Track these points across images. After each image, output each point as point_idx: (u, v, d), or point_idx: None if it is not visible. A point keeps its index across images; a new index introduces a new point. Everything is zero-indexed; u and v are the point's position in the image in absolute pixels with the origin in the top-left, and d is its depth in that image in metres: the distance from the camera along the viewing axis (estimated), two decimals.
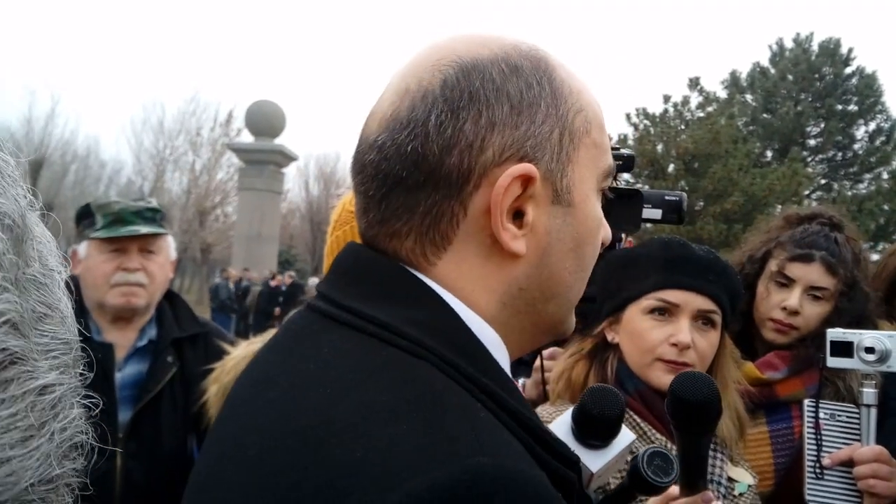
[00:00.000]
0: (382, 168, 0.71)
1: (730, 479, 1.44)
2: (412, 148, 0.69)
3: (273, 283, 16.81)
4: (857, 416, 1.57)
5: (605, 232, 0.80)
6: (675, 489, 1.13)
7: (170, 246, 2.08)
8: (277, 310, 15.85)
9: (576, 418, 1.01)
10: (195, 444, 1.95)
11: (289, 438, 0.58)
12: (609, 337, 1.53)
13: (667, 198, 1.55)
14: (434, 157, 0.68)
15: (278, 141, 19.18)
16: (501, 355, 0.73)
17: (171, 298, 2.12)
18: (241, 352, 1.71)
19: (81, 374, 0.37)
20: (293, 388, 0.64)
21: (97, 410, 0.39)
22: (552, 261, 0.73)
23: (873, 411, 1.54)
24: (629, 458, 1.08)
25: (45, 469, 0.33)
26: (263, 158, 18.67)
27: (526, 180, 0.68)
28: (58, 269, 0.38)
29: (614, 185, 1.59)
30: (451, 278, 0.71)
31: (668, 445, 1.38)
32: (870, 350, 1.51)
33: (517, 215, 0.70)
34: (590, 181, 0.75)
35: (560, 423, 1.03)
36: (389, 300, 0.69)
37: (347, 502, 0.51)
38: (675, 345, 1.42)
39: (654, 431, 1.41)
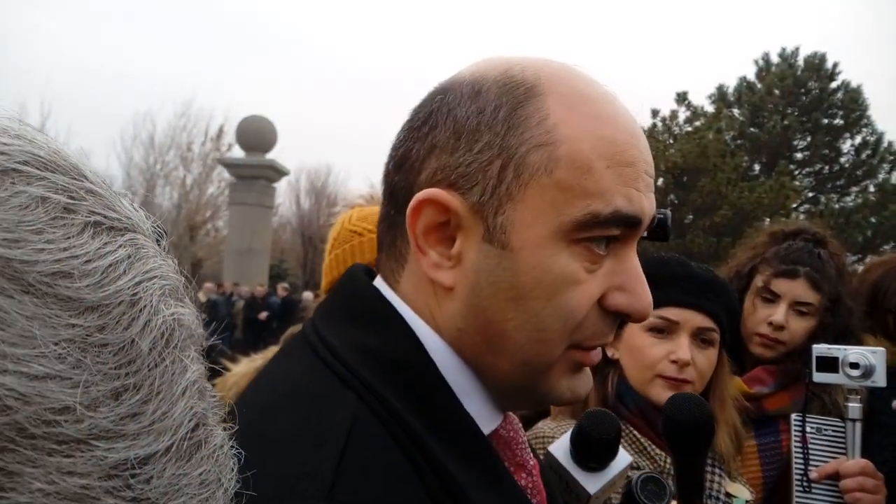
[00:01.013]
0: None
1: (727, 495, 1.46)
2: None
3: (257, 293, 16.70)
4: (842, 430, 1.60)
5: (612, 295, 0.69)
6: None
7: None
8: (264, 314, 15.73)
9: (574, 441, 1.03)
10: None
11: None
12: (609, 353, 1.55)
13: None
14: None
15: (269, 156, 19.15)
16: (465, 379, 0.69)
17: None
18: (242, 368, 1.71)
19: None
20: (248, 405, 0.65)
21: None
22: (484, 304, 0.66)
23: (858, 425, 1.57)
24: (626, 480, 1.10)
25: None
26: (254, 173, 18.64)
27: (444, 208, 0.65)
28: (203, 342, 0.41)
29: None
30: (411, 298, 0.71)
31: (667, 461, 1.40)
32: (854, 366, 1.54)
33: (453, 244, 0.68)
34: (542, 226, 0.64)
35: (559, 446, 1.05)
36: (349, 322, 0.69)
37: None
38: (674, 362, 1.44)
39: (653, 447, 1.43)
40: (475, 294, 0.66)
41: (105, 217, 0.35)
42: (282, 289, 17.30)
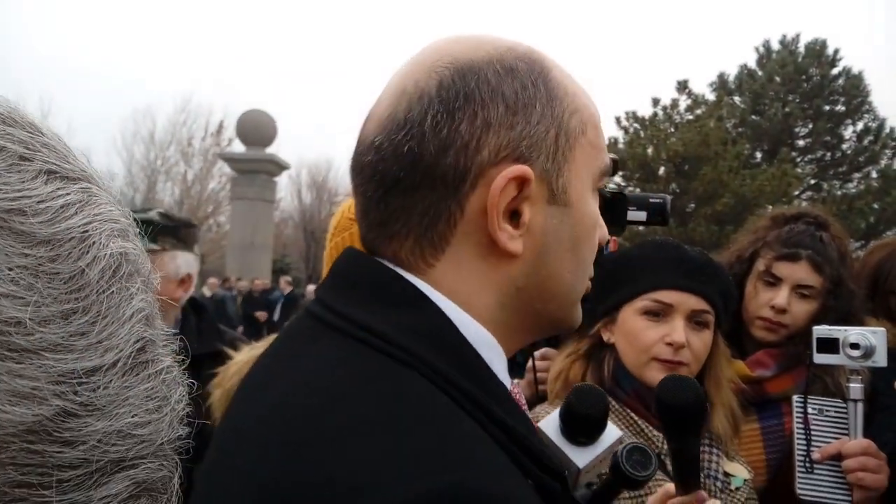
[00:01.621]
0: (380, 169, 0.71)
1: (726, 474, 1.48)
2: (409, 148, 0.69)
3: (254, 288, 16.50)
4: (844, 410, 1.60)
5: (602, 231, 0.80)
6: (671, 487, 1.16)
7: (169, 262, 1.91)
8: (263, 314, 15.49)
9: (563, 417, 1.05)
10: None
11: (273, 450, 0.59)
12: (605, 337, 1.56)
13: (651, 200, 1.59)
14: (430, 157, 0.69)
15: (270, 150, 19.15)
16: (496, 356, 0.73)
17: (199, 312, 2.01)
18: (244, 356, 1.72)
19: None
20: (284, 395, 0.64)
21: None
22: (550, 260, 0.73)
23: (860, 406, 1.57)
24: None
25: (172, 431, 0.43)
26: (255, 168, 18.64)
27: (522, 181, 0.68)
28: (156, 279, 0.46)
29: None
30: (449, 280, 0.71)
31: (664, 442, 1.41)
32: (855, 346, 1.55)
33: (514, 215, 0.70)
34: (586, 180, 0.75)
35: (548, 422, 1.07)
36: (383, 306, 0.69)
37: None
38: (669, 344, 1.45)
39: (651, 429, 1.44)
40: (543, 253, 0.73)
41: (59, 167, 0.40)
42: (285, 283, 17.17)
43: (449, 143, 0.68)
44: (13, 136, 0.39)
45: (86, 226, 0.40)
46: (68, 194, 0.40)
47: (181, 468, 0.45)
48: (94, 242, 0.40)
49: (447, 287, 0.71)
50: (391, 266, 0.72)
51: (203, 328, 2.00)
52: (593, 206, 0.77)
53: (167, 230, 1.93)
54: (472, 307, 0.71)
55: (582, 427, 1.03)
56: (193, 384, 0.48)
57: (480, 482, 0.54)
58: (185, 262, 1.98)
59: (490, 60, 0.71)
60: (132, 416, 0.40)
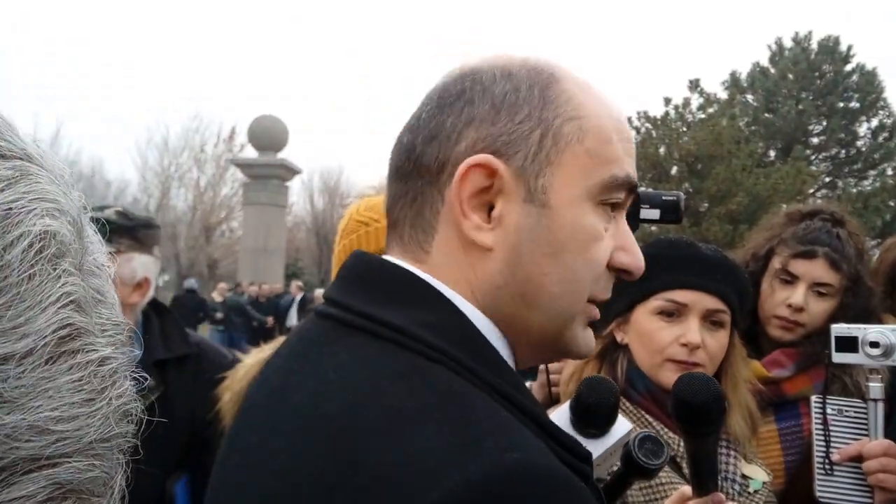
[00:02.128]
0: (392, 161, 0.79)
1: (744, 477, 1.45)
2: (407, 139, 0.77)
3: (261, 293, 16.43)
4: (864, 411, 1.58)
5: (606, 251, 0.76)
6: (688, 489, 1.14)
7: (124, 265, 1.78)
8: (270, 319, 15.58)
9: (573, 408, 1.04)
10: (183, 484, 1.75)
11: (318, 444, 0.60)
12: (618, 337, 1.54)
13: (664, 198, 1.57)
14: (420, 146, 0.75)
15: (281, 155, 19.26)
16: (502, 346, 0.75)
17: (161, 315, 1.91)
18: (252, 359, 1.72)
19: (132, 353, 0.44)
20: (317, 395, 0.65)
21: None
22: (525, 261, 0.72)
23: (880, 406, 1.54)
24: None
25: (105, 428, 0.39)
26: (267, 173, 18.75)
27: (490, 172, 0.71)
28: (106, 265, 0.44)
29: None
30: (444, 268, 0.74)
31: (681, 445, 1.39)
32: (874, 345, 1.52)
33: (493, 210, 0.73)
34: (576, 188, 0.73)
35: (559, 414, 1.07)
36: (398, 303, 0.71)
37: (366, 502, 0.53)
38: (685, 345, 1.42)
39: (666, 430, 1.42)
40: (515, 252, 0.72)
41: None
42: (296, 287, 17.24)
43: (435, 134, 0.74)
44: None
45: (10, 203, 0.38)
46: (0, 171, 0.38)
47: (129, 469, 0.43)
48: (18, 221, 0.37)
49: (444, 277, 0.74)
50: (399, 263, 0.75)
51: (167, 331, 1.88)
52: (590, 217, 0.74)
53: (124, 230, 1.81)
54: (469, 296, 0.74)
55: (593, 418, 1.03)
56: (146, 378, 0.45)
57: (544, 458, 0.59)
58: (141, 265, 1.84)
59: (494, 66, 0.75)
60: (52, 410, 0.36)
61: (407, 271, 0.74)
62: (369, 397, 0.62)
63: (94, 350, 0.40)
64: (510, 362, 0.76)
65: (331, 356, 0.69)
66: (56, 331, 0.38)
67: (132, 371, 0.43)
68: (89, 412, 0.38)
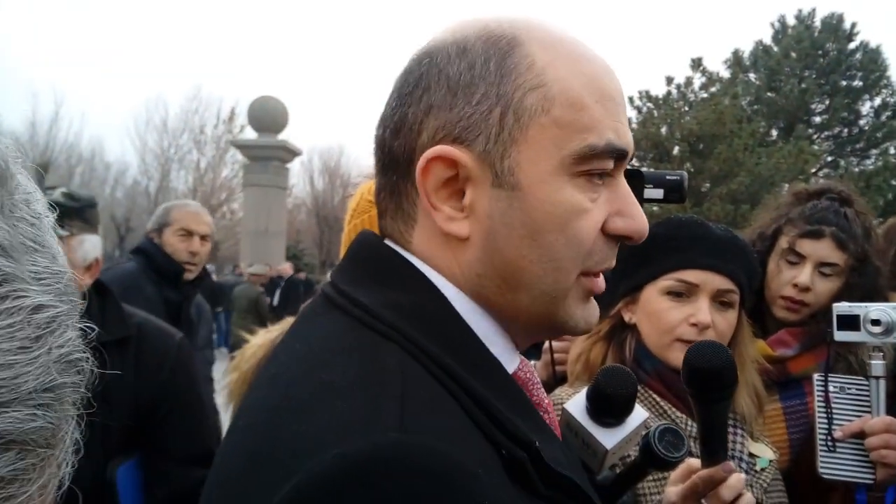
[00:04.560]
0: (374, 153, 0.78)
1: (751, 455, 1.46)
2: (378, 133, 0.76)
3: (254, 280, 16.15)
4: (866, 388, 1.59)
5: (612, 220, 0.72)
6: (695, 461, 1.15)
7: (77, 248, 1.75)
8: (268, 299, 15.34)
9: (590, 397, 1.04)
10: (129, 468, 1.71)
11: (262, 413, 0.63)
12: (626, 317, 1.54)
13: (668, 177, 1.57)
14: (388, 140, 0.74)
15: (282, 136, 19.13)
16: (493, 329, 0.74)
17: (102, 295, 1.84)
18: (259, 339, 1.74)
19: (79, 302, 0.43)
20: (281, 366, 0.69)
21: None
22: (501, 246, 0.70)
23: (882, 383, 1.55)
24: (642, 435, 1.11)
25: (47, 377, 0.38)
26: (267, 154, 18.64)
27: (450, 163, 0.69)
28: (45, 214, 0.43)
29: None
30: (427, 255, 0.74)
31: (689, 424, 1.39)
32: (876, 322, 1.53)
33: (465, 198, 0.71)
34: (546, 163, 0.68)
35: (575, 403, 1.06)
36: (377, 283, 0.72)
37: (278, 474, 0.55)
38: (694, 325, 1.42)
39: (674, 410, 1.43)
40: (491, 238, 0.70)
41: None
42: (288, 267, 17.05)
43: (399, 128, 0.73)
44: None
45: None
46: None
47: (83, 422, 0.41)
48: None
49: (427, 261, 0.74)
50: (391, 245, 0.76)
51: (106, 314, 1.80)
52: (567, 192, 0.69)
53: (73, 212, 1.75)
54: (456, 276, 0.73)
55: (610, 408, 1.02)
56: (92, 328, 0.43)
57: (431, 442, 0.56)
58: (92, 245, 1.81)
59: (452, 42, 0.72)
60: None
61: (397, 254, 0.74)
62: (313, 370, 0.64)
63: (26, 296, 0.38)
64: (505, 344, 0.75)
65: (306, 331, 0.73)
66: None
67: (79, 321, 0.42)
68: (27, 360, 0.37)
